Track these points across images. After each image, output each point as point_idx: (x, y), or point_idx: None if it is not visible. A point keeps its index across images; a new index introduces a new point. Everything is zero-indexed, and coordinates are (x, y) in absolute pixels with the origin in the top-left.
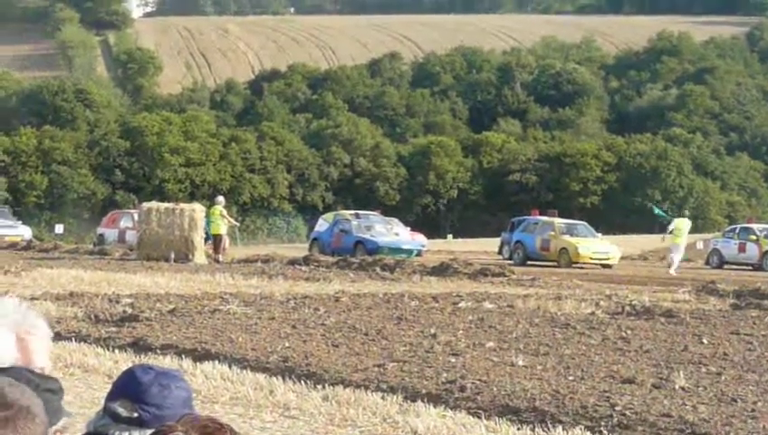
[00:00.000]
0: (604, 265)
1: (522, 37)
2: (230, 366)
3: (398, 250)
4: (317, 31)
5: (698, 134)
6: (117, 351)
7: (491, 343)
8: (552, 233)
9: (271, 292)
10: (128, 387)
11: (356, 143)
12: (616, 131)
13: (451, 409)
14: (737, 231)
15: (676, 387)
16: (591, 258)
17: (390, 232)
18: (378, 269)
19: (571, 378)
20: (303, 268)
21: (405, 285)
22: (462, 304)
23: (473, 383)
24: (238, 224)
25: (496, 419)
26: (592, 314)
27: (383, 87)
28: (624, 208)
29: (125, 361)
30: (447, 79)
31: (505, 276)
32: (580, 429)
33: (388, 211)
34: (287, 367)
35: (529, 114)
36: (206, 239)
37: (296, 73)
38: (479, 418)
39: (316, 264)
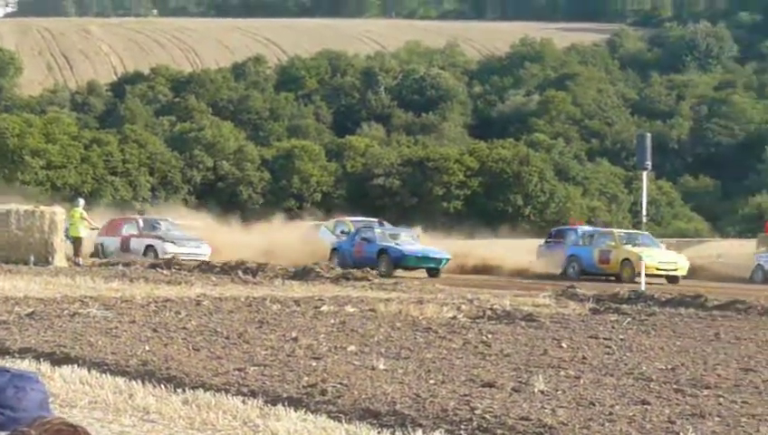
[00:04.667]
0: (670, 279)
1: (386, 42)
2: (89, 370)
3: (425, 259)
4: (180, 33)
5: (560, 140)
6: None
7: (352, 347)
8: (612, 243)
9: (132, 295)
10: None
11: (219, 146)
12: (479, 136)
13: (312, 412)
14: None
15: (536, 390)
16: (658, 269)
17: (417, 241)
18: (240, 273)
19: (431, 382)
20: (165, 272)
21: (267, 289)
22: (324, 308)
23: (334, 387)
24: (99, 227)
25: (357, 422)
26: (454, 318)
27: (247, 90)
28: (486, 213)
29: None
30: (311, 83)
31: (368, 280)
32: (440, 432)
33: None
34: (147, 371)
35: (393, 119)
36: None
37: (159, 76)
38: (340, 421)
39: (178, 267)
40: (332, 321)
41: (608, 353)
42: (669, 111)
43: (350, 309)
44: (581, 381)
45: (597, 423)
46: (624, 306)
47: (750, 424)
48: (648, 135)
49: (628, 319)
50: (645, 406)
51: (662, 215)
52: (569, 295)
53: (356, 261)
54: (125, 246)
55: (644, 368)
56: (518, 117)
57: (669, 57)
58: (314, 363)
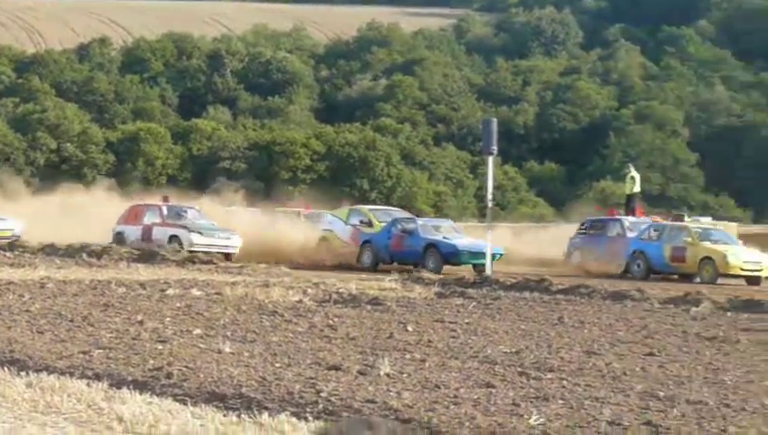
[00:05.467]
0: (751, 280)
1: (233, 25)
2: None
3: (479, 254)
4: (23, 14)
5: (407, 125)
6: None
7: (198, 330)
8: (689, 240)
9: None
10: None
11: (63, 128)
12: (326, 120)
13: (157, 396)
14: None
15: (381, 373)
16: (743, 269)
17: (462, 233)
18: (84, 255)
19: (277, 365)
20: (8, 254)
21: (112, 272)
22: (170, 292)
23: (179, 370)
24: None
25: (202, 405)
26: (300, 301)
27: (92, 72)
28: (332, 197)
29: None
30: (157, 65)
31: (213, 264)
32: (286, 415)
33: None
34: None
35: (239, 102)
36: None
37: (2, 56)
38: (185, 404)
39: (21, 250)
40: (178, 304)
41: (453, 337)
42: (515, 97)
43: (195, 292)
44: (427, 364)
45: (442, 406)
46: (469, 290)
47: (593, 407)
48: (494, 120)
49: (474, 303)
50: (490, 389)
51: (508, 200)
52: (414, 279)
53: (394, 256)
54: (147, 236)
55: (489, 351)
56: (365, 101)
57: (515, 43)
58: (160, 347)
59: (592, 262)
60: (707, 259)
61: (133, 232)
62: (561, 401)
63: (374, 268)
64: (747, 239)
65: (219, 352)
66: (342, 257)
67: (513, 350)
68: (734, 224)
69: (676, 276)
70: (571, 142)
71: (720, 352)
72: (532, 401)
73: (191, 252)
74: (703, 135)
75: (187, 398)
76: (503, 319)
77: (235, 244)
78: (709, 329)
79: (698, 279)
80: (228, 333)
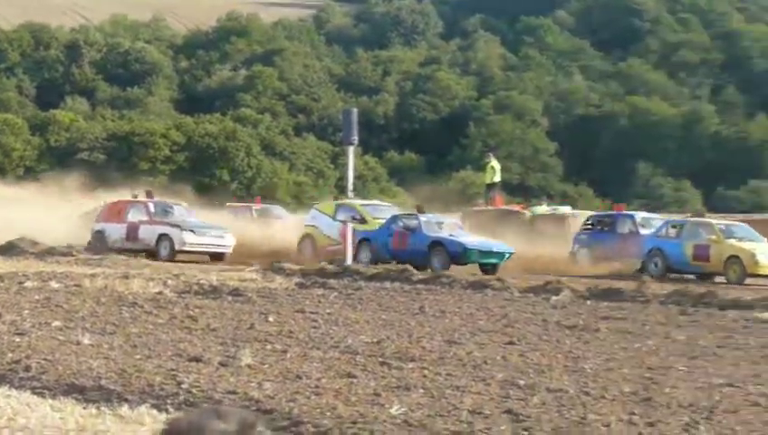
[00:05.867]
0: None
1: (91, 15)
2: None
3: (489, 254)
4: None
5: (267, 115)
6: None
7: (57, 323)
8: (713, 237)
9: None
10: None
11: None
12: (185, 111)
13: (16, 389)
14: None
15: (243, 364)
16: None
17: (464, 229)
18: None
19: (137, 356)
20: None
21: None
22: (28, 284)
23: (38, 363)
24: None
25: (61, 398)
26: (160, 293)
27: None
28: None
29: None
30: (14, 56)
31: (72, 256)
32: (146, 407)
33: None
34: None
35: (97, 93)
36: None
37: None
38: (44, 397)
39: None
40: (37, 296)
41: (314, 327)
42: (375, 87)
43: (54, 285)
44: (288, 355)
45: (303, 396)
46: (330, 280)
47: (454, 396)
48: (355, 110)
49: (335, 293)
50: (351, 379)
51: (368, 190)
52: (275, 270)
53: (396, 255)
54: (132, 235)
55: (350, 341)
56: (225, 92)
57: (375, 33)
58: (18, 339)
59: (603, 260)
60: (734, 258)
61: (116, 230)
62: (422, 391)
63: None
64: None
65: (78, 344)
66: (330, 256)
67: (375, 340)
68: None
69: (692, 276)
70: (432, 132)
71: (580, 340)
72: (393, 391)
73: (183, 252)
74: (562, 125)
75: (45, 391)
76: (364, 309)
77: (228, 243)
78: (569, 317)
79: (723, 279)
80: (87, 325)
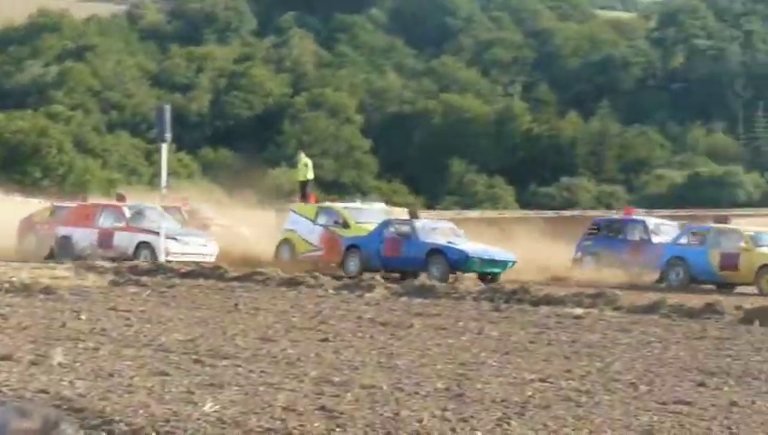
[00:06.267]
0: None
1: None
2: None
3: (491, 262)
4: None
5: (79, 112)
6: None
7: None
8: (743, 245)
9: None
10: None
11: None
12: None
13: None
14: None
15: (54, 363)
16: None
17: (463, 235)
18: None
19: None
20: None
21: None
22: None
23: None
24: None
25: None
26: None
27: None
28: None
29: None
30: None
31: None
32: None
33: None
34: None
35: None
36: None
37: None
38: None
39: None
40: None
41: (127, 325)
42: (189, 84)
43: None
44: (100, 353)
45: (116, 395)
46: (144, 278)
47: (268, 393)
48: (168, 107)
49: (148, 291)
50: (164, 377)
51: (183, 187)
52: (88, 268)
53: (388, 263)
54: (105, 242)
55: (163, 339)
56: (36, 88)
57: (189, 30)
58: None
59: (613, 269)
60: (767, 267)
61: (85, 236)
62: (236, 388)
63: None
64: None
65: None
66: (309, 263)
67: (188, 337)
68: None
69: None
70: (246, 129)
71: (394, 336)
72: (206, 389)
73: (166, 262)
74: (376, 122)
75: None
76: (177, 307)
77: (212, 251)
78: (383, 314)
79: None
80: None
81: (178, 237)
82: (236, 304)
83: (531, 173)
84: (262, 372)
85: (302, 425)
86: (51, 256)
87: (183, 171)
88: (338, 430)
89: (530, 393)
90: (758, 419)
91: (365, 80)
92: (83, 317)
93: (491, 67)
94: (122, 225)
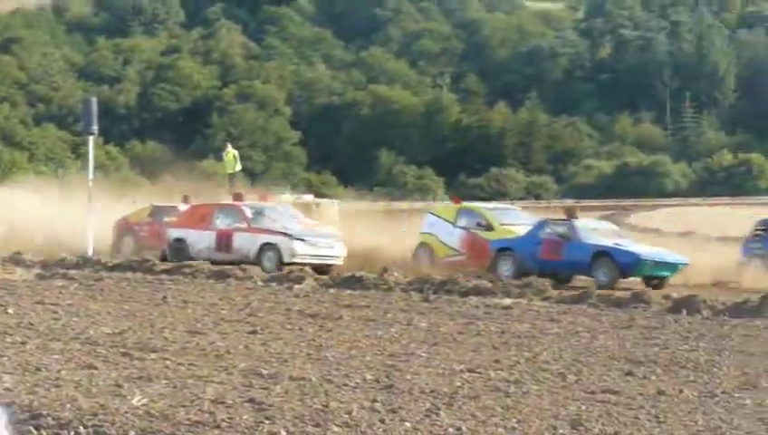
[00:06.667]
0: None
1: None
2: None
3: (663, 265)
4: None
5: (6, 104)
6: None
7: None
8: None
9: None
10: None
11: None
12: None
13: None
14: None
15: None
16: None
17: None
18: None
19: None
20: None
21: None
22: None
23: None
24: None
25: None
26: None
27: None
28: None
29: None
30: None
31: None
32: None
33: None
34: None
35: None
36: None
37: None
38: None
39: None
40: None
41: (54, 319)
42: (116, 76)
43: None
44: (28, 347)
45: (43, 388)
46: (72, 271)
47: (197, 385)
48: (94, 99)
49: (76, 284)
50: (92, 370)
51: (111, 180)
52: (15, 261)
53: (547, 266)
54: (225, 244)
55: (91, 332)
56: None
57: (115, 22)
58: None
59: None
60: None
61: (202, 239)
62: (164, 381)
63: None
64: (352, 217)
65: None
66: (452, 269)
67: (116, 331)
68: (335, 201)
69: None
70: (174, 122)
71: (323, 328)
72: (135, 382)
73: (290, 264)
74: (305, 114)
75: None
76: (105, 300)
77: (339, 253)
78: (312, 306)
79: None
80: None
81: (306, 239)
82: (165, 297)
83: (460, 164)
84: (190, 364)
85: (230, 418)
86: (163, 260)
87: (111, 164)
88: (266, 422)
89: (459, 384)
90: (685, 407)
91: (293, 72)
92: (10, 311)
93: (419, 58)
94: (243, 225)
